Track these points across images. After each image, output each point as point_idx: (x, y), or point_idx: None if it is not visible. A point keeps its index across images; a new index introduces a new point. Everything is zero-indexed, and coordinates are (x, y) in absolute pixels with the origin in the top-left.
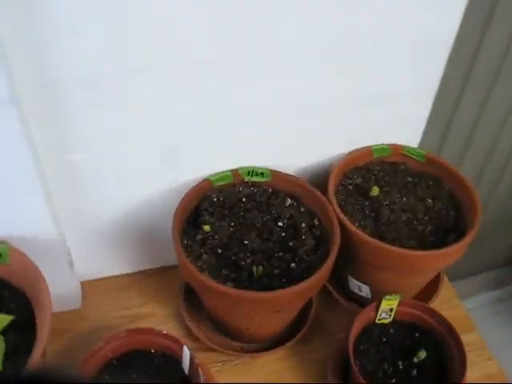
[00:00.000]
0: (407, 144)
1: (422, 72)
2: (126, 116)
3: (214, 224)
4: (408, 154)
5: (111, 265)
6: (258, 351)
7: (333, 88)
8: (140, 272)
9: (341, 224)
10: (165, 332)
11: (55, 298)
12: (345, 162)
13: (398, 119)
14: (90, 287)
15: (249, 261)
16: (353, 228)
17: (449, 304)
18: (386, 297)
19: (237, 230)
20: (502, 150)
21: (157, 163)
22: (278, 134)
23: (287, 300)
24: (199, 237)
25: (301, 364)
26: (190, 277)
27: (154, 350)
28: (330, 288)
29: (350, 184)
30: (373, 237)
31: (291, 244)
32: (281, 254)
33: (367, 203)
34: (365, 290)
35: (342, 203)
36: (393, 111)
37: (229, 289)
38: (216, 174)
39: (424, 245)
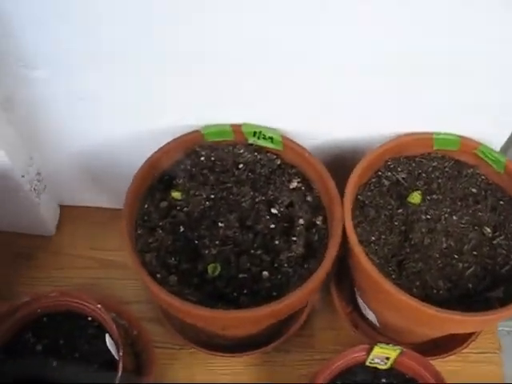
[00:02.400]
0: (485, 142)
1: None
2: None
3: (187, 191)
4: (482, 155)
5: (94, 195)
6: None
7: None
8: None
9: (346, 234)
10: (98, 306)
11: (24, 221)
12: (388, 146)
13: (480, 103)
14: (70, 214)
15: (213, 251)
16: (357, 249)
17: (482, 356)
18: (381, 345)
19: (214, 206)
20: None
21: (132, 97)
22: (314, 91)
23: (235, 322)
24: (164, 204)
25: (268, 375)
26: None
27: (90, 317)
28: (334, 294)
29: (388, 178)
30: (385, 268)
31: (276, 243)
32: (258, 252)
33: (400, 211)
34: (371, 317)
35: (366, 202)
36: (476, 89)
37: (164, 294)
38: (211, 125)
39: (456, 293)
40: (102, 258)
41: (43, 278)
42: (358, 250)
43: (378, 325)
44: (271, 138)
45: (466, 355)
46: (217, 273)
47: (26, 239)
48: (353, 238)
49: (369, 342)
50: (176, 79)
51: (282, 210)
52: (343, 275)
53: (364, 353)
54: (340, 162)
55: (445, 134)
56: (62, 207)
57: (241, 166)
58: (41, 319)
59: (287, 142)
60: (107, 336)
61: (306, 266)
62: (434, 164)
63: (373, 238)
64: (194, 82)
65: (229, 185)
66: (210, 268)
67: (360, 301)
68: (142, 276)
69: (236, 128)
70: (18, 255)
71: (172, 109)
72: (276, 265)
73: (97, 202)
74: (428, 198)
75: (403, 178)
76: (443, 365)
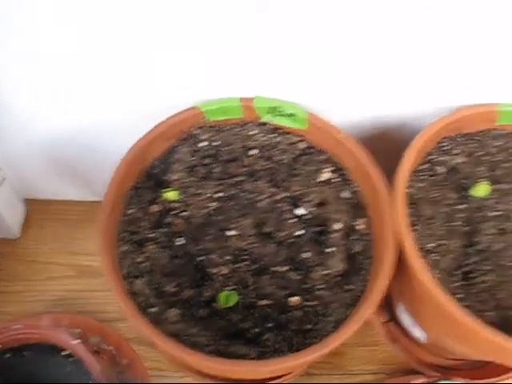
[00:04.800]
0: None
1: None
2: None
3: (185, 189)
4: None
5: (66, 187)
6: None
7: None
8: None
9: (399, 242)
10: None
11: None
12: (444, 122)
13: None
14: (38, 212)
15: (224, 270)
16: (417, 263)
17: None
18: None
19: (222, 208)
20: None
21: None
22: (346, 49)
23: (262, 374)
24: (155, 208)
25: None
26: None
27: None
28: None
29: (443, 163)
30: (449, 285)
31: (306, 256)
32: (283, 269)
33: (463, 207)
34: (419, 335)
35: (418, 196)
36: None
37: (164, 341)
38: (213, 100)
39: None
40: (79, 265)
41: (6, 294)
42: (417, 264)
43: (425, 341)
44: (292, 115)
45: None
46: (233, 303)
47: None
48: (410, 248)
49: (416, 365)
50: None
51: (310, 210)
52: None
53: None
54: (384, 145)
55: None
56: (29, 203)
57: (253, 151)
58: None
59: (314, 120)
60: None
61: (347, 287)
62: (499, 143)
63: (431, 245)
64: (190, 42)
65: (239, 178)
66: (221, 297)
67: (405, 315)
68: (129, 314)
69: (246, 103)
70: None
71: (162, 82)
72: (308, 286)
73: (70, 195)
74: (494, 188)
75: (462, 163)
76: None
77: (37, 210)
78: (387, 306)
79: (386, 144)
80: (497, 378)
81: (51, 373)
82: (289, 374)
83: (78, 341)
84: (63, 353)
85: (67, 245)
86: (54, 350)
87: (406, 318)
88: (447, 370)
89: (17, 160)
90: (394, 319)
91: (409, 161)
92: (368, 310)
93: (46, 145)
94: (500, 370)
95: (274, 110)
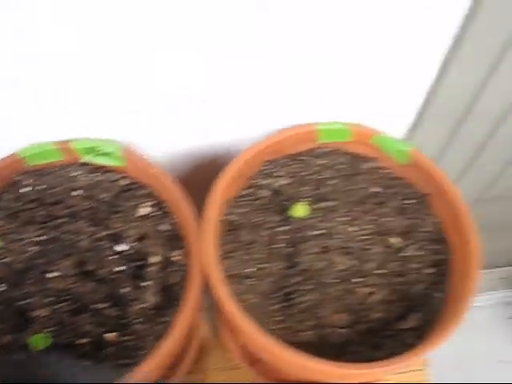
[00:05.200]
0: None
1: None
2: None
3: (7, 235)
4: (380, 146)
5: None
6: None
7: None
8: None
9: (207, 270)
10: None
11: None
12: (263, 145)
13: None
14: None
15: (44, 313)
16: (220, 292)
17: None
18: None
19: (44, 251)
20: None
21: None
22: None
23: None
24: None
25: None
26: None
27: None
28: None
29: (265, 187)
30: (266, 308)
31: (125, 291)
32: (102, 306)
33: (285, 229)
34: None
35: (239, 222)
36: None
37: None
38: (33, 145)
39: (360, 328)
40: None
41: None
42: (220, 292)
43: None
44: (110, 154)
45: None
46: (44, 344)
47: None
48: (214, 277)
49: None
50: None
51: (131, 245)
52: None
53: None
54: (205, 175)
55: (332, 123)
56: None
57: (76, 192)
58: None
59: (131, 157)
60: None
61: (162, 319)
62: (324, 162)
63: (249, 270)
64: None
65: (62, 220)
66: (34, 341)
67: None
68: None
69: (64, 145)
70: None
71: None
72: (125, 321)
73: None
74: (317, 206)
75: (286, 185)
76: None
77: None
78: None
79: (207, 174)
80: None
81: None
82: None
83: None
84: None
85: None
86: None
87: None
88: None
89: None
90: None
91: (220, 189)
92: (171, 342)
93: None
94: None
95: (92, 150)
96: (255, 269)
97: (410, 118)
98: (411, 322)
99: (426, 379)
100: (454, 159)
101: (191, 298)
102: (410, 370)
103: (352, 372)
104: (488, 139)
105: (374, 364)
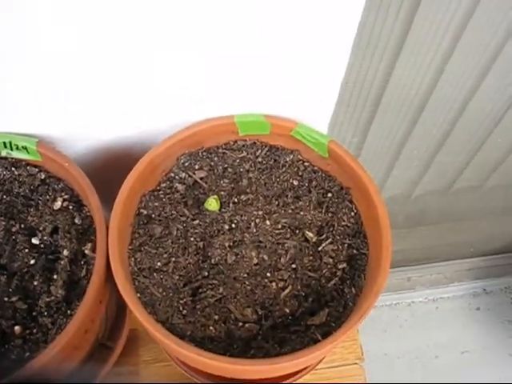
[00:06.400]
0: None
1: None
2: None
3: None
4: (300, 137)
5: None
6: None
7: None
8: None
9: (109, 264)
10: None
11: None
12: (180, 136)
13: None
14: None
15: None
16: (120, 286)
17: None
18: None
19: None
20: None
21: None
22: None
23: None
24: None
25: None
26: None
27: None
28: None
29: (182, 180)
30: (174, 303)
31: (35, 284)
32: (12, 299)
33: (196, 222)
34: None
35: (152, 216)
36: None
37: None
38: None
39: (269, 323)
40: None
41: None
42: (121, 287)
43: None
44: (25, 148)
45: (320, 372)
46: None
47: None
48: (116, 272)
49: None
50: None
51: (45, 238)
52: None
53: None
54: (120, 167)
55: (249, 115)
56: None
57: None
58: None
59: (45, 151)
60: None
61: (69, 312)
62: (243, 155)
63: (158, 264)
64: None
65: None
66: None
67: None
68: None
69: None
70: None
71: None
72: (34, 314)
73: None
74: (235, 200)
75: (202, 178)
76: None
77: None
78: None
79: (122, 167)
80: None
81: None
82: None
83: None
84: None
85: None
86: None
87: None
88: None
89: None
90: None
91: (130, 182)
92: (66, 335)
93: None
94: None
95: (9, 144)
96: (165, 262)
97: (329, 109)
98: (320, 317)
99: (360, 373)
100: (376, 151)
101: (92, 291)
102: (343, 365)
103: (248, 368)
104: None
105: (270, 360)
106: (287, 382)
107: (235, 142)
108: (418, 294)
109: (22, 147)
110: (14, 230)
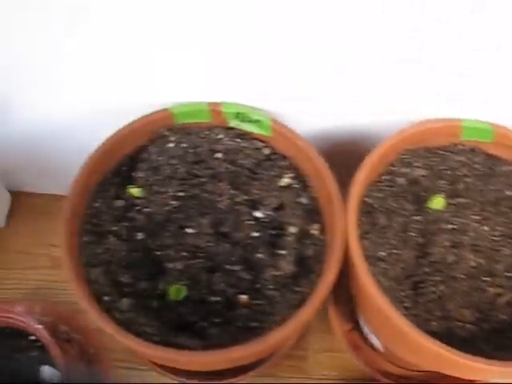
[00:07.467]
0: None
1: None
2: None
3: (150, 187)
4: None
5: (49, 181)
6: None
7: None
8: None
9: (348, 249)
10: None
11: None
12: (406, 134)
13: None
14: (24, 203)
15: (179, 266)
16: (362, 271)
17: None
18: None
19: (183, 207)
20: None
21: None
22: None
23: (198, 365)
24: (119, 203)
25: None
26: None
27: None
28: (331, 308)
29: (404, 175)
30: (397, 294)
31: (259, 256)
32: (236, 268)
33: (417, 218)
34: (375, 342)
35: (375, 206)
36: None
37: (109, 326)
38: (184, 103)
39: (485, 327)
40: (57, 257)
41: None
42: (362, 272)
43: (382, 350)
44: (258, 121)
45: None
46: (181, 296)
47: None
48: (357, 256)
49: (375, 374)
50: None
51: (268, 213)
52: (343, 286)
53: None
54: (345, 154)
55: (476, 121)
56: (15, 194)
57: (219, 155)
58: None
59: (278, 127)
60: (46, 368)
61: (296, 289)
62: (461, 159)
63: (382, 254)
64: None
65: (203, 179)
66: (172, 290)
67: (362, 322)
68: (82, 300)
69: (214, 107)
70: None
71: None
72: (258, 286)
73: (53, 190)
74: (452, 202)
75: (422, 176)
76: None
77: (21, 202)
78: (351, 314)
79: (347, 154)
80: None
81: (14, 355)
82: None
83: (41, 326)
84: (30, 337)
85: (47, 237)
86: (21, 334)
87: (363, 326)
88: (406, 381)
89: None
90: (357, 328)
91: (365, 171)
92: (308, 312)
93: (27, 135)
94: None
95: (241, 116)
96: (387, 253)
97: None
98: None
99: None
100: None
101: (331, 272)
102: None
103: (481, 366)
104: None
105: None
106: None
107: (455, 145)
108: None
109: (255, 120)
110: (237, 200)
